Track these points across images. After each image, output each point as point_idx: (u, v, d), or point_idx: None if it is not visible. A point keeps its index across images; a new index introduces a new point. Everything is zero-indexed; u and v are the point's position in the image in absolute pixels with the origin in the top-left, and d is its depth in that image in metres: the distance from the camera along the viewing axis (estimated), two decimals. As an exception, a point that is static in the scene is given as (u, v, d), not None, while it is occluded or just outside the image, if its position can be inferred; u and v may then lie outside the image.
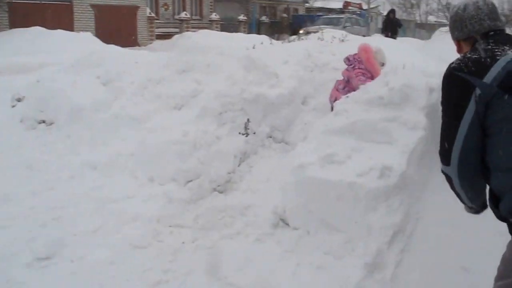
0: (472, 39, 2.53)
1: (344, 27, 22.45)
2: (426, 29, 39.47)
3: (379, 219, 3.98)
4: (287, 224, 4.56)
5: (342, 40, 10.01)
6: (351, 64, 5.85)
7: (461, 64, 2.37)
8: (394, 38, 16.85)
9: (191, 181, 5.13)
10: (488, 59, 2.31)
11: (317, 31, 10.45)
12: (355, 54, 5.96)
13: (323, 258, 4.09)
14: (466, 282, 3.65)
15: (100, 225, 4.58)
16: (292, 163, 4.54)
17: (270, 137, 5.94)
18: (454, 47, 2.74)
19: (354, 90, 5.55)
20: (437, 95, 4.62)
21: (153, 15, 23.97)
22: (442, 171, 2.56)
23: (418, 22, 43.76)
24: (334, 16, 29.24)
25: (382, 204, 4.03)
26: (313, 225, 4.31)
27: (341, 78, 5.95)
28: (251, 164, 5.54)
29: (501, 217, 2.41)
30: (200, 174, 5.17)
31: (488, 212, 2.60)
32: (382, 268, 3.82)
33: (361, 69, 5.72)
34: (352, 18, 28.15)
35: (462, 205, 2.74)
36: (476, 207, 2.63)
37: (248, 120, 5.70)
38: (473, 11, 2.53)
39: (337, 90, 5.86)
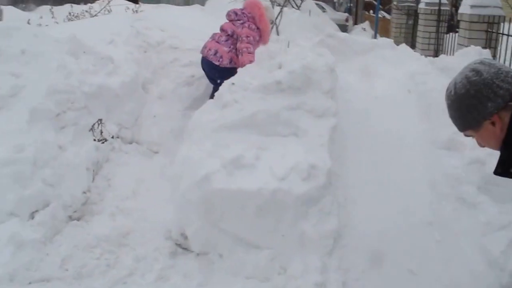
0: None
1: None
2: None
3: (313, 226, 3.35)
4: (188, 250, 3.66)
5: (136, 11, 9.08)
6: (239, 19, 5.07)
7: None
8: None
9: (37, 211, 3.79)
10: None
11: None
12: (243, 9, 5.25)
13: (247, 284, 3.33)
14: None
15: None
16: (186, 172, 3.60)
17: (118, 137, 4.80)
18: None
19: (237, 48, 4.92)
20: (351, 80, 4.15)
21: None
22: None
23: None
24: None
25: (313, 209, 3.40)
26: (226, 247, 3.49)
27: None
28: (107, 176, 4.37)
29: None
30: (49, 200, 3.85)
31: None
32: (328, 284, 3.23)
33: (251, 30, 4.98)
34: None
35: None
36: None
37: (100, 120, 4.48)
38: (493, 68, 1.86)
39: (217, 42, 5.03)
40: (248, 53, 4.89)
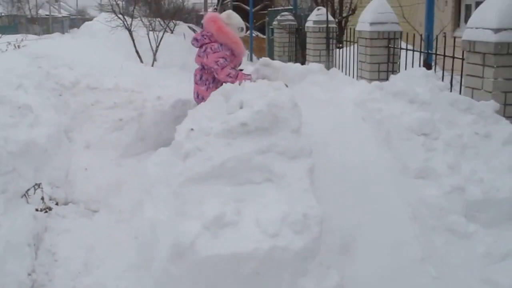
0: None
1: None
2: (39, 24, 37.27)
3: (315, 284, 3.02)
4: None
5: (19, 46, 8.20)
6: (201, 46, 4.50)
7: None
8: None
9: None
10: None
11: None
12: (203, 31, 4.69)
13: None
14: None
15: None
16: (161, 240, 3.09)
17: (51, 199, 4.09)
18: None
19: (215, 80, 4.49)
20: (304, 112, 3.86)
21: None
22: None
23: (29, 17, 40.81)
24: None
25: (312, 264, 3.07)
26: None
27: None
28: (51, 249, 3.67)
29: None
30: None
31: None
32: None
33: (215, 52, 4.44)
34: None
35: None
36: None
37: (38, 185, 3.76)
38: None
39: (195, 83, 4.49)
40: (230, 77, 4.45)
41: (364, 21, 7.64)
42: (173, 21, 14.99)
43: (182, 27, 18.15)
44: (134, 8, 13.52)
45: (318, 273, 3.06)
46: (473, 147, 3.89)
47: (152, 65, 12.83)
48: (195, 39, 4.83)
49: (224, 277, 2.97)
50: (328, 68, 9.52)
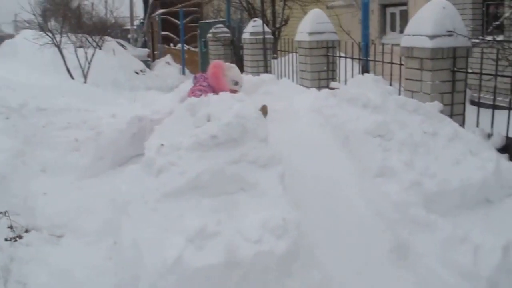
0: None
1: None
2: None
3: (300, 283, 3.18)
4: None
5: None
6: (196, 82, 4.73)
7: None
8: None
9: None
10: None
11: None
12: (203, 74, 5.23)
13: None
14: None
15: None
16: (145, 257, 3.14)
17: (10, 227, 3.98)
18: None
19: None
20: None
21: None
22: None
23: None
24: None
25: (295, 265, 3.23)
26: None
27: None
28: (21, 280, 3.54)
29: None
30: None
31: None
32: None
33: (202, 86, 4.57)
34: None
35: None
36: None
37: (5, 213, 3.67)
38: None
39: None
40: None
41: (303, 31, 7.95)
42: (101, 37, 14.78)
43: (111, 43, 17.93)
44: (63, 25, 13.23)
45: (302, 273, 3.22)
46: (424, 145, 4.20)
47: (85, 82, 12.62)
48: (195, 77, 5.45)
49: (213, 286, 3.06)
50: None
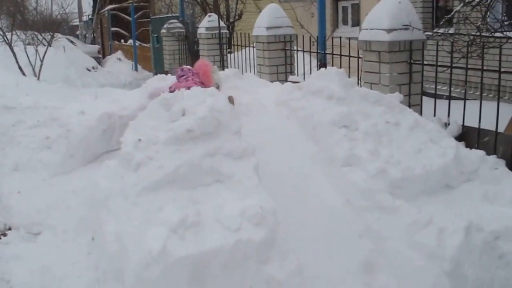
0: None
1: None
2: None
3: (278, 268, 3.33)
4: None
5: None
6: (183, 75, 4.77)
7: None
8: None
9: None
10: None
11: None
12: (191, 68, 5.37)
13: None
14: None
15: None
16: (130, 249, 3.21)
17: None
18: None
19: None
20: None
21: None
22: None
23: None
24: None
25: (273, 252, 3.37)
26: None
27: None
28: (5, 278, 3.55)
29: None
30: None
31: None
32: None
33: (194, 82, 4.70)
34: None
35: None
36: None
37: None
38: None
39: None
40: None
41: (260, 26, 8.09)
42: (51, 33, 14.50)
43: (61, 40, 17.57)
44: (13, 22, 12.93)
45: (279, 259, 3.36)
46: (387, 134, 4.42)
47: (38, 80, 12.39)
48: (181, 69, 5.52)
49: (196, 274, 3.17)
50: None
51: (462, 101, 5.07)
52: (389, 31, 5.34)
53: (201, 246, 3.19)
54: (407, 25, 5.36)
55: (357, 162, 4.18)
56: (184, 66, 5.65)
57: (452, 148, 4.29)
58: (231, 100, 5.02)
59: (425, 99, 5.73)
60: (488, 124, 4.83)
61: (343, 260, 3.66)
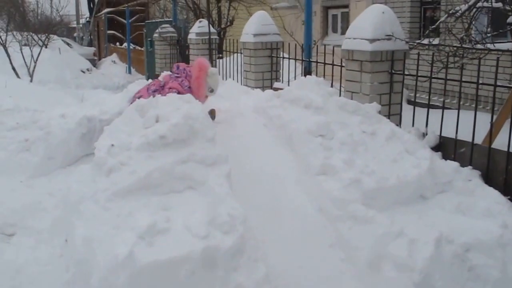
0: None
1: None
2: None
3: (247, 277, 3.34)
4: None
5: None
6: (178, 74, 4.89)
7: None
8: None
9: None
10: None
11: None
12: (189, 66, 5.20)
13: None
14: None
15: None
16: (97, 254, 3.21)
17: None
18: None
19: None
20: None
21: None
22: None
23: None
24: None
25: (242, 260, 3.39)
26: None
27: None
28: None
29: None
30: None
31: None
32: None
33: (180, 85, 4.73)
34: None
35: None
36: None
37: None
38: None
39: (147, 89, 4.65)
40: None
41: (248, 33, 8.12)
42: (47, 35, 14.55)
43: (57, 42, 17.62)
44: (8, 23, 12.97)
45: (248, 267, 3.37)
46: (363, 144, 4.45)
47: (31, 81, 12.41)
48: (177, 66, 5.35)
49: (163, 281, 3.17)
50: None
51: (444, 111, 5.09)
52: (371, 41, 5.37)
53: (169, 253, 3.19)
54: (390, 35, 5.38)
55: (332, 171, 4.19)
56: (181, 64, 5.50)
57: (427, 159, 4.32)
58: (213, 113, 5.04)
59: (409, 107, 5.76)
60: (467, 134, 4.85)
61: (313, 269, 3.67)
